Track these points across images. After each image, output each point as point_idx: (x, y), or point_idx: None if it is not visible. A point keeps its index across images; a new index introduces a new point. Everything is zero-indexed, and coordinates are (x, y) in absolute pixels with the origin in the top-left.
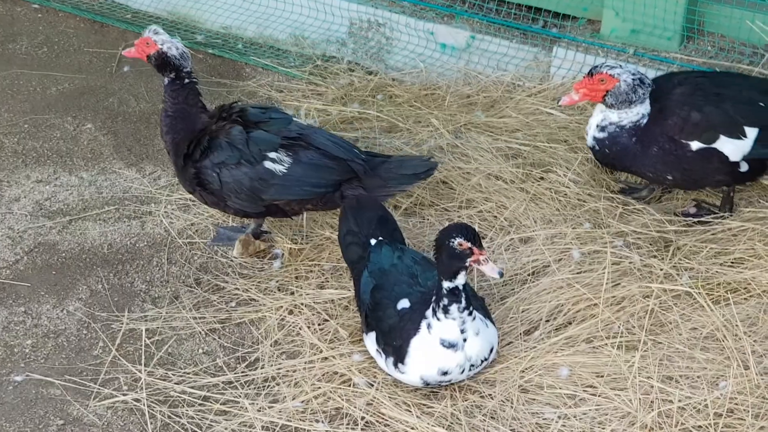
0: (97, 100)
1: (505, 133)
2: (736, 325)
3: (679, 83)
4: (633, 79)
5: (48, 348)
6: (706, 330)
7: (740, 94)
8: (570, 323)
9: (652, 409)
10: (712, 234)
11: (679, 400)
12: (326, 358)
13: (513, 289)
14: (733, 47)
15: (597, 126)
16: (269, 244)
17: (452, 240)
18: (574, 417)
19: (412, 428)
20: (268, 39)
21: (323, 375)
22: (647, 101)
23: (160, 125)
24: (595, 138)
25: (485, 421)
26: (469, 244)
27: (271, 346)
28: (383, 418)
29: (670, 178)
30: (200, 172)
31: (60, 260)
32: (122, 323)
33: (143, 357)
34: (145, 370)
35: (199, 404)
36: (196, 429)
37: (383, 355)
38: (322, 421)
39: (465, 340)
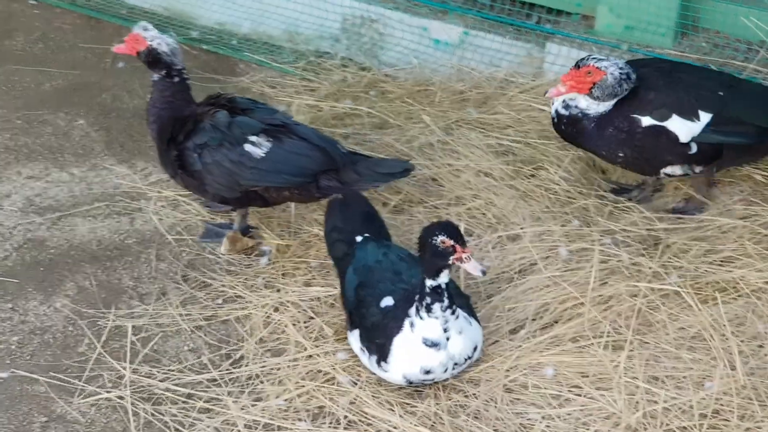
0: (91, 95)
1: (497, 129)
2: (724, 325)
3: (642, 65)
4: (620, 73)
5: (34, 345)
6: (693, 330)
7: (700, 82)
8: (556, 322)
9: (637, 410)
10: (702, 232)
11: (665, 401)
12: (311, 356)
13: (499, 288)
14: (728, 43)
15: (563, 102)
16: (257, 240)
17: (435, 238)
18: (559, 417)
19: (395, 428)
20: (263, 35)
21: (307, 373)
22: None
23: (147, 115)
24: (557, 111)
25: (468, 421)
26: (451, 242)
27: (256, 343)
28: (366, 417)
29: (621, 155)
30: (182, 153)
31: (48, 257)
32: (109, 320)
33: (128, 354)
34: (130, 368)
35: (183, 402)
36: (178, 427)
37: (367, 353)
38: (305, 420)
39: (448, 338)
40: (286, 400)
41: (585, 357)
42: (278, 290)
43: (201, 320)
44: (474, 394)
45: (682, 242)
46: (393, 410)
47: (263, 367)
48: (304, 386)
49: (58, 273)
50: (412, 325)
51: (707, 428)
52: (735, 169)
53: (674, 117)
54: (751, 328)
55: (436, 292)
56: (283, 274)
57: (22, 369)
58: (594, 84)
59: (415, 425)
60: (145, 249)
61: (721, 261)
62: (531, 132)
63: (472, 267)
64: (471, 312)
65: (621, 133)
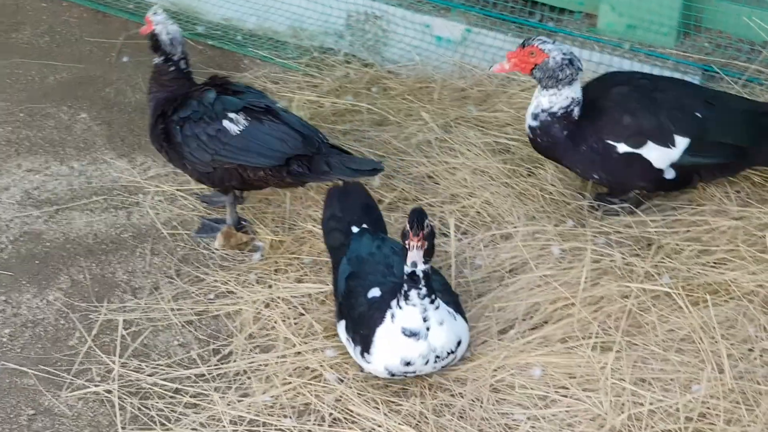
0: (95, 89)
1: (495, 127)
2: (714, 328)
3: (620, 83)
4: (562, 58)
5: (25, 337)
6: (683, 332)
7: (678, 101)
8: (546, 322)
9: (623, 412)
10: (697, 233)
11: (651, 403)
12: (299, 353)
13: (490, 287)
14: (731, 44)
15: (531, 114)
16: (251, 236)
17: (407, 223)
18: (544, 418)
19: (379, 426)
20: (268, 31)
21: (294, 370)
22: (576, 86)
23: (147, 88)
24: (529, 127)
25: (453, 420)
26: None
27: (245, 339)
28: (351, 415)
29: (596, 176)
30: (167, 126)
31: (44, 250)
32: (100, 314)
33: (118, 348)
34: (119, 362)
35: (170, 397)
36: (164, 422)
37: (352, 344)
38: (290, 417)
39: (428, 329)
40: (272, 396)
41: (573, 358)
42: (270, 286)
43: (192, 315)
44: (460, 394)
45: (675, 243)
46: (378, 408)
47: (251, 363)
48: (291, 383)
49: (53, 266)
50: (393, 316)
51: (692, 431)
52: None
53: (650, 144)
54: (742, 331)
55: (412, 279)
56: (275, 270)
57: (12, 362)
58: (536, 65)
59: (399, 424)
60: (140, 243)
61: (714, 262)
62: None
63: (409, 256)
64: (458, 309)
65: (595, 155)
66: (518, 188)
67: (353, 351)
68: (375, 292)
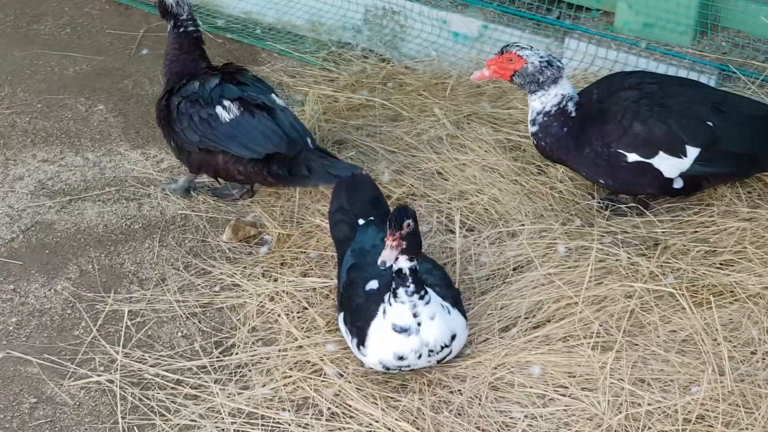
0: (113, 81)
1: (509, 124)
2: (716, 330)
3: (629, 86)
4: (540, 62)
5: (31, 326)
6: (684, 333)
7: (689, 108)
8: (549, 321)
9: (620, 412)
10: (704, 234)
11: (649, 404)
12: (300, 347)
13: (494, 285)
14: (749, 43)
15: (530, 121)
16: (259, 229)
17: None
18: (541, 417)
19: (376, 421)
20: (286, 24)
21: (295, 364)
22: (563, 82)
23: (161, 66)
24: (532, 134)
25: (450, 417)
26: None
27: (248, 332)
28: (349, 410)
29: (602, 181)
30: (168, 103)
31: (55, 239)
32: (107, 304)
33: (122, 338)
34: (123, 352)
35: (171, 388)
36: (164, 412)
37: (350, 336)
38: (289, 410)
39: (419, 324)
40: (272, 389)
41: (573, 357)
42: (275, 280)
43: (197, 307)
44: (459, 391)
45: (682, 243)
46: (376, 404)
47: (253, 355)
48: (291, 376)
49: (63, 256)
50: (384, 311)
51: None
52: None
53: (661, 154)
54: (745, 333)
55: (399, 276)
56: (281, 264)
57: (17, 350)
58: (515, 72)
59: (396, 419)
60: (150, 235)
61: (720, 264)
62: None
63: (381, 254)
64: (456, 304)
65: (600, 159)
66: (527, 186)
67: (351, 343)
68: (373, 285)
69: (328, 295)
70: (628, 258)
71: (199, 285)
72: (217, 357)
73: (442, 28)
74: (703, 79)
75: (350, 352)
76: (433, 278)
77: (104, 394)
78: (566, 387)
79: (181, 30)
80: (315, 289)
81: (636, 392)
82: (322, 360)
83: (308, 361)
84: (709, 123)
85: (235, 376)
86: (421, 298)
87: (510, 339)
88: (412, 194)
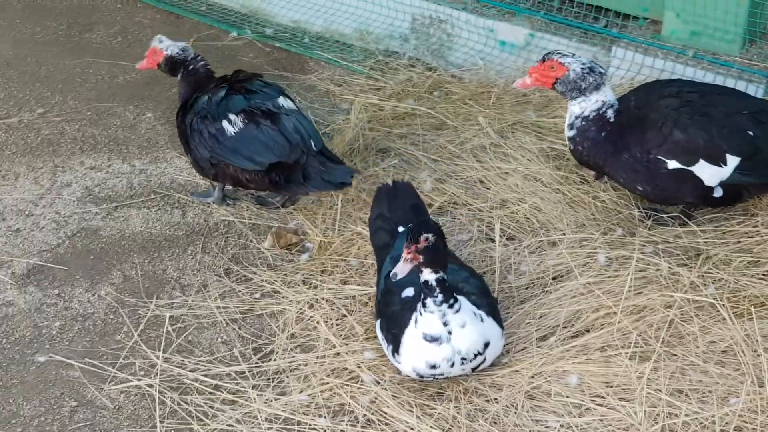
0: (161, 90)
1: (553, 133)
2: (757, 341)
3: (669, 95)
4: (582, 68)
5: (74, 331)
6: (724, 344)
7: (729, 118)
8: (588, 331)
9: (657, 423)
10: (748, 244)
11: (686, 415)
12: (338, 354)
13: (533, 294)
14: None
15: (567, 125)
16: (301, 236)
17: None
18: (577, 427)
19: (411, 429)
20: (334, 33)
21: (333, 370)
22: (605, 89)
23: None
24: (568, 138)
25: (485, 426)
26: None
27: (286, 339)
28: (384, 417)
29: (640, 189)
30: (183, 120)
31: (100, 245)
32: (149, 309)
33: (163, 343)
34: (163, 357)
35: (209, 393)
36: (201, 417)
37: (386, 343)
38: (325, 416)
39: (450, 332)
40: (309, 395)
41: (611, 367)
42: (315, 287)
43: (237, 313)
44: (495, 399)
45: (724, 253)
46: (411, 411)
47: (291, 362)
48: (328, 383)
49: (107, 262)
50: (416, 321)
51: None
52: None
53: (701, 162)
54: None
55: (427, 287)
56: (321, 271)
57: (59, 354)
58: (557, 79)
59: (431, 427)
60: (193, 241)
61: (763, 274)
62: None
63: (396, 266)
64: (492, 312)
65: (640, 165)
66: (570, 195)
67: (386, 350)
68: (409, 292)
69: (367, 302)
70: (669, 268)
71: (239, 291)
72: (256, 363)
73: (489, 36)
74: (751, 88)
75: (387, 360)
76: (469, 287)
77: (143, 399)
78: (603, 397)
79: (191, 68)
80: (354, 296)
81: (673, 403)
82: (359, 367)
83: (345, 368)
84: (750, 132)
85: (272, 382)
86: (450, 306)
87: (548, 348)
88: (454, 203)
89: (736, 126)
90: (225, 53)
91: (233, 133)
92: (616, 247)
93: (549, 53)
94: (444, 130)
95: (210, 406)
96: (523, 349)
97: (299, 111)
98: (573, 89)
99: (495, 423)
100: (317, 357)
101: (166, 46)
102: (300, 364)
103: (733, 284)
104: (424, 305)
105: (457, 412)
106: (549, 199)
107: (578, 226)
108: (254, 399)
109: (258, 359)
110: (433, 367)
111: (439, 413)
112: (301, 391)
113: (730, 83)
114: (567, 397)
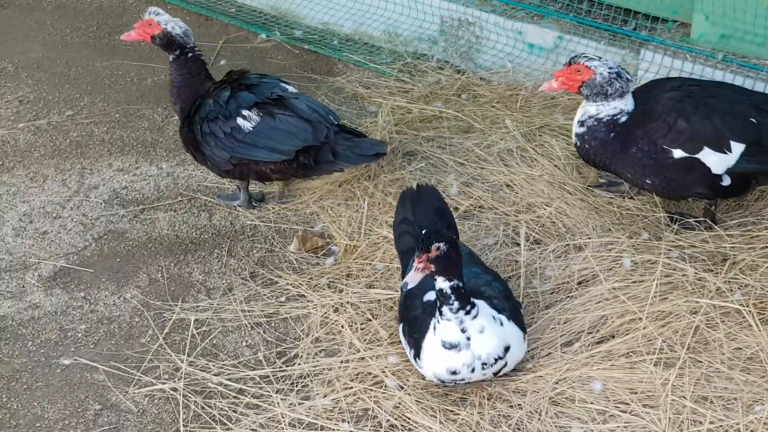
0: None
1: None
2: None
3: (671, 88)
4: (609, 73)
5: (99, 334)
6: (750, 350)
7: (732, 107)
8: (613, 336)
9: (681, 430)
10: None
11: (710, 422)
12: (362, 359)
13: (558, 298)
14: None
15: (578, 122)
16: (327, 240)
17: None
18: None
19: None
20: (363, 35)
21: (357, 375)
22: (628, 98)
23: (170, 97)
24: (576, 134)
25: None
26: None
27: (311, 343)
28: (408, 422)
29: (648, 182)
30: (191, 128)
31: (126, 248)
32: (174, 313)
33: (188, 347)
34: (187, 360)
35: (233, 397)
36: (225, 421)
37: (408, 347)
38: (348, 421)
39: (469, 338)
40: (332, 400)
41: (635, 373)
42: (340, 291)
43: (262, 317)
44: (519, 405)
45: (751, 259)
46: (435, 417)
47: (315, 366)
48: (351, 388)
49: (133, 264)
50: (434, 328)
51: None
52: None
53: (706, 149)
54: None
55: (442, 295)
56: (347, 275)
57: (84, 357)
58: (583, 83)
59: None
60: (219, 245)
61: None
62: None
63: (407, 275)
64: (514, 317)
65: (647, 158)
66: (596, 199)
67: (409, 354)
68: (430, 296)
69: (392, 307)
70: (695, 273)
71: (265, 295)
72: (280, 367)
73: (518, 39)
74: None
75: (411, 365)
76: (492, 290)
77: (167, 402)
78: (627, 403)
79: (190, 55)
80: (379, 300)
81: (698, 410)
82: (383, 372)
83: (369, 373)
84: (753, 119)
85: (296, 386)
86: (467, 313)
87: (572, 354)
88: (480, 206)
89: (740, 114)
90: (254, 55)
91: (251, 128)
92: (641, 252)
93: (575, 56)
94: (471, 133)
95: (233, 411)
96: (547, 355)
97: (303, 95)
98: (599, 93)
99: (518, 429)
100: (341, 361)
101: (164, 20)
102: (324, 369)
103: (759, 290)
104: (441, 313)
105: (481, 418)
106: (575, 204)
107: (604, 230)
108: (278, 403)
109: (282, 363)
110: (454, 372)
111: (462, 419)
112: (324, 396)
113: (759, 87)
114: (591, 403)
